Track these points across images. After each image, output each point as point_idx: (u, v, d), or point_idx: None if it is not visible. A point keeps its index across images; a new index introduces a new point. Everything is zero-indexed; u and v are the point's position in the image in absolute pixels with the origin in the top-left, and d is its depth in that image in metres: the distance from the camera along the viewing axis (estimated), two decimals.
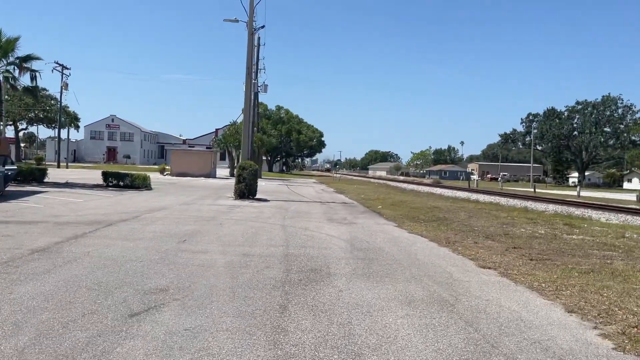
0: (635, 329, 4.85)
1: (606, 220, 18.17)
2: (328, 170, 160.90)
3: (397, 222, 13.70)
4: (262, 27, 27.42)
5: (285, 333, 4.36)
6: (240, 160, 29.62)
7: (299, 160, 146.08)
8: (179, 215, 13.27)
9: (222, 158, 65.14)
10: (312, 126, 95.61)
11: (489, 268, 7.65)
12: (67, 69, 53.21)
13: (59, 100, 56.22)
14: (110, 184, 23.26)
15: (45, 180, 24.13)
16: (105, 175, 23.71)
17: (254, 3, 22.12)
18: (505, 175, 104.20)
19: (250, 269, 6.84)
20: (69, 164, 59.91)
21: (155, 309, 4.86)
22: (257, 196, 20.87)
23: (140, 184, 23.27)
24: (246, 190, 20.21)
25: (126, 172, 24.89)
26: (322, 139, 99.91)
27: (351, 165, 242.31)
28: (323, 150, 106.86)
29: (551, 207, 23.67)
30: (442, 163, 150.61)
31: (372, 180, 73.61)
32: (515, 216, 17.19)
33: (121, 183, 23.18)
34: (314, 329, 4.48)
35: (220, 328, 4.41)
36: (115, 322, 4.44)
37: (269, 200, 20.21)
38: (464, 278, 6.88)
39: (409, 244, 9.92)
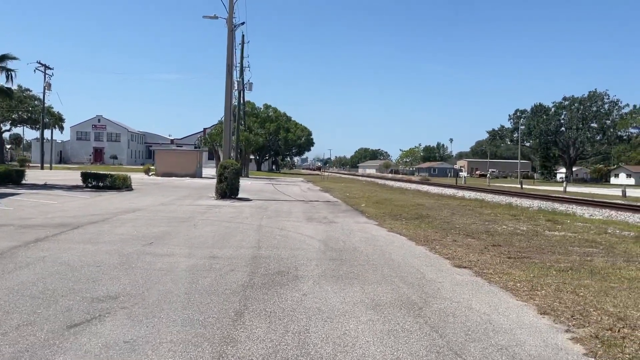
0: (610, 332, 4.60)
1: (590, 216, 18.02)
2: (319, 168, 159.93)
3: (378, 221, 13.42)
4: (242, 23, 26.97)
5: (234, 344, 4.04)
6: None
7: (289, 159, 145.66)
8: (153, 216, 12.88)
9: (211, 158, 64.53)
10: (301, 124, 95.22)
11: (465, 267, 7.38)
12: (50, 68, 52.48)
13: (42, 100, 55.33)
14: (90, 184, 22.76)
15: (23, 181, 23.62)
16: (85, 176, 23.19)
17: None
18: (493, 171, 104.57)
19: (213, 273, 6.51)
20: (55, 165, 59.04)
21: (98, 319, 4.52)
22: (240, 195, 20.50)
23: (121, 184, 22.79)
24: (228, 190, 19.82)
25: (106, 172, 24.39)
26: (311, 137, 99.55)
27: (341, 163, 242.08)
28: (312, 148, 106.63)
29: (536, 203, 23.52)
30: (431, 160, 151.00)
31: (360, 178, 73.27)
32: (498, 213, 16.99)
33: (101, 184, 22.67)
34: (266, 339, 4.17)
35: (164, 339, 4.07)
36: (50, 334, 4.09)
37: (251, 200, 19.86)
38: (436, 278, 6.61)
39: (386, 243, 9.64)
